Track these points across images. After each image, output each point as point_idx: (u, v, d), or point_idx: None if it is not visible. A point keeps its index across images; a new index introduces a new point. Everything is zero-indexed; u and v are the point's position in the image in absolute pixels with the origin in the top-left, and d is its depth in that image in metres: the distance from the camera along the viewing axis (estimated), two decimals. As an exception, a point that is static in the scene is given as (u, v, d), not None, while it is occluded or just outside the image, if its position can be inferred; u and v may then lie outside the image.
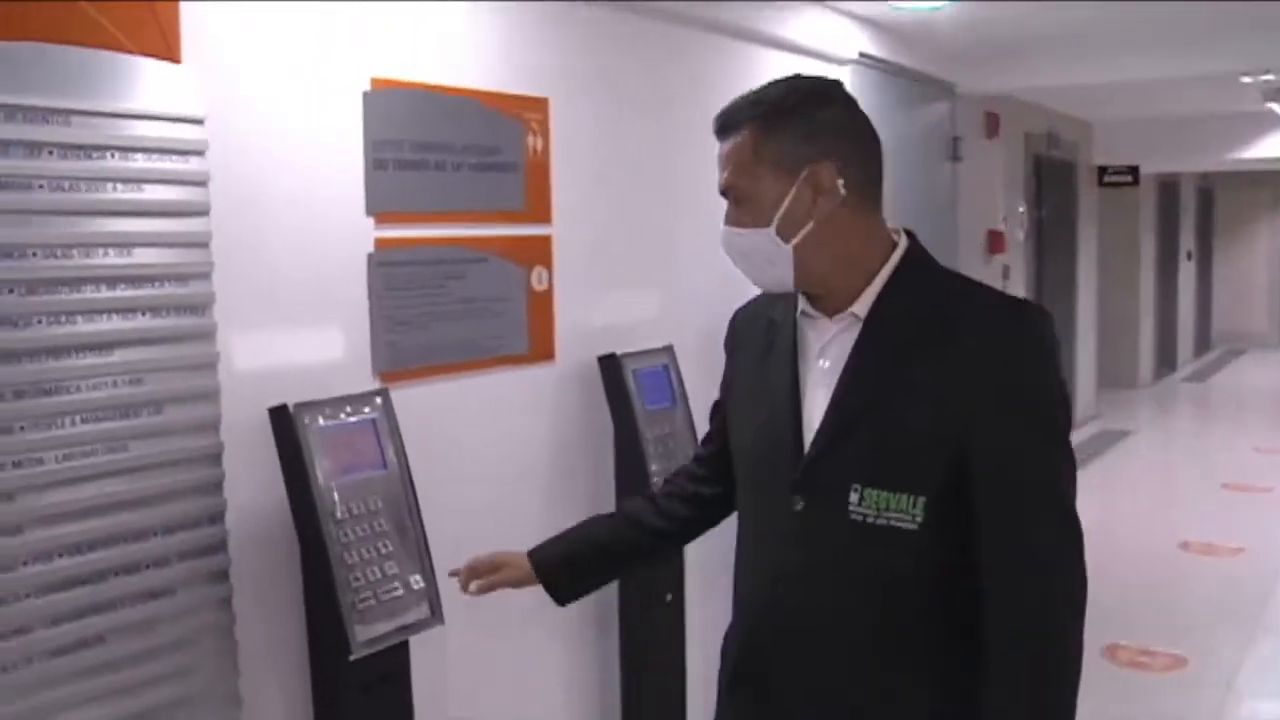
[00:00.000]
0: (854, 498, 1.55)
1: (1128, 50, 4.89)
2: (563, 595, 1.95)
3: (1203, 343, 15.35)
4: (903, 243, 1.64)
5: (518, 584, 1.94)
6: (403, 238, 2.60)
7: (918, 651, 1.59)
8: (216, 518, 2.20)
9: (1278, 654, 4.84)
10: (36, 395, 1.95)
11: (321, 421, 2.26)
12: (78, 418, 2.00)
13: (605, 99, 3.21)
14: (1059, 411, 1.56)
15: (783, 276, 1.61)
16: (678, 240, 3.42)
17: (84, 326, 2.00)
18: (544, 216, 2.98)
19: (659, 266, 3.36)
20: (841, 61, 4.27)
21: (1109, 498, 8.04)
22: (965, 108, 5.27)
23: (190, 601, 2.15)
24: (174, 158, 2.11)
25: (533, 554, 1.94)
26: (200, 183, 2.15)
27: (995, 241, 5.64)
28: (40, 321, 1.95)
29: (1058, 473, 1.55)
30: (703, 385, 3.03)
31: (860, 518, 1.55)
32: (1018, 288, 8.25)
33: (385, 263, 2.56)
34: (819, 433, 1.59)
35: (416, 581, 2.34)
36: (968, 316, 1.57)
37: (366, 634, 2.22)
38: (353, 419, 2.32)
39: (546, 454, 3.05)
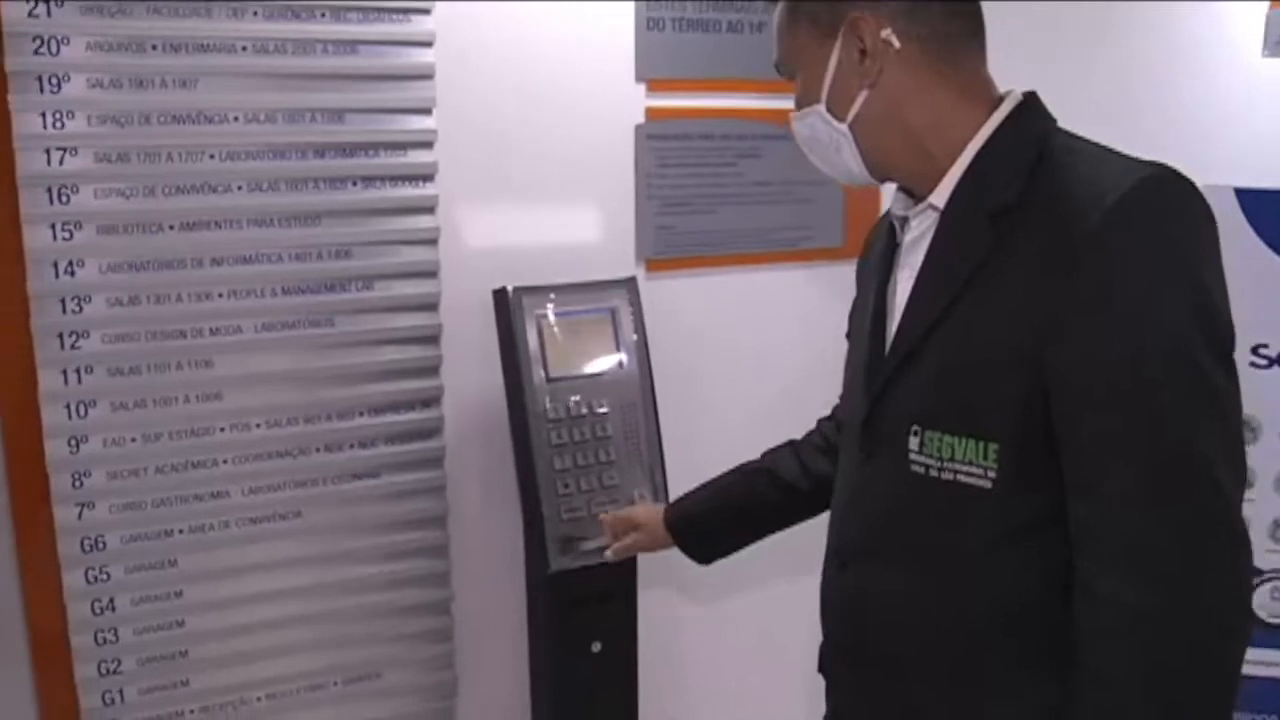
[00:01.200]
0: (913, 442, 1.20)
1: None
2: (701, 558, 1.76)
3: None
4: (1007, 105, 1.21)
5: (653, 547, 1.78)
6: (681, 108, 2.29)
7: (1033, 635, 1.17)
8: (431, 402, 2.08)
9: None
10: (235, 263, 1.90)
11: (549, 309, 2.06)
12: (278, 288, 1.94)
13: None
14: (1197, 330, 1.04)
15: (852, 165, 1.28)
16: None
17: (287, 196, 1.92)
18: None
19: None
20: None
21: None
22: None
23: (397, 486, 2.06)
24: (394, 18, 1.95)
25: (667, 514, 1.76)
26: (424, 43, 1.98)
27: None
28: (240, 188, 1.89)
29: (1189, 424, 1.04)
30: None
31: (922, 469, 1.19)
32: None
33: (658, 135, 2.28)
34: (887, 357, 1.26)
35: (642, 496, 2.09)
36: (1068, 191, 1.10)
37: (569, 547, 2.02)
38: (586, 309, 2.09)
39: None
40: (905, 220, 1.29)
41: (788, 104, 2.41)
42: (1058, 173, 1.13)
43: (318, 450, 2.00)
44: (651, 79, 2.26)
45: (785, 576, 2.67)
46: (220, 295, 1.89)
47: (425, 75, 1.98)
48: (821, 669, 1.43)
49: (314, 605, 2.02)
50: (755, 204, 2.42)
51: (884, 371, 1.24)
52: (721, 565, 2.45)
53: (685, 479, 2.20)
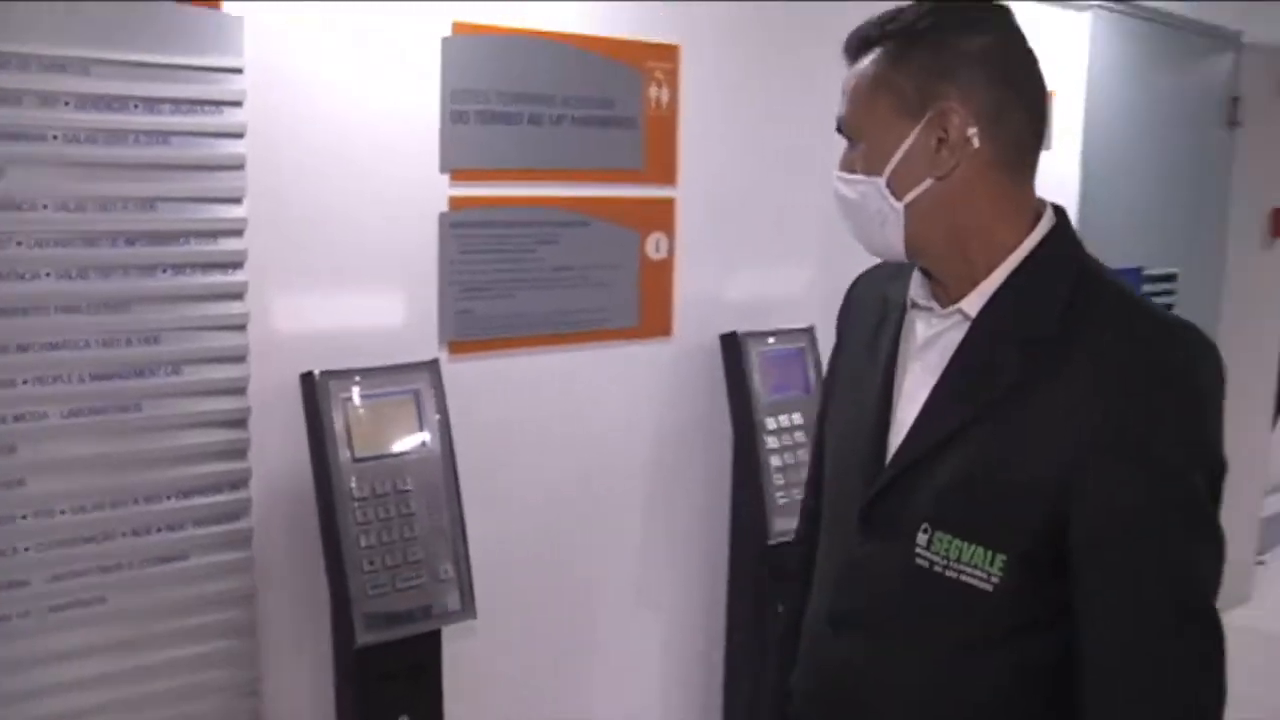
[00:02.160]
0: (922, 539, 1.26)
1: None
2: None
3: None
4: (1045, 223, 1.29)
5: None
6: (483, 196, 2.42)
7: None
8: (239, 484, 2.11)
9: None
10: (41, 350, 1.91)
11: (354, 391, 2.13)
12: (86, 374, 1.95)
13: (754, 48, 2.89)
14: (1200, 475, 1.19)
15: (893, 242, 1.30)
16: (832, 212, 3.07)
17: (96, 284, 1.94)
18: (666, 178, 2.73)
19: (807, 239, 3.02)
20: (1080, 6, 3.74)
21: None
22: (1255, 62, 4.53)
23: (205, 567, 2.08)
24: (206, 109, 2.01)
25: None
26: (236, 135, 2.04)
27: (1279, 222, 4.86)
28: (48, 275, 1.90)
29: (1191, 556, 1.18)
30: None
31: (927, 564, 1.26)
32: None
33: (461, 224, 2.39)
34: (898, 456, 1.30)
35: (446, 571, 2.18)
36: (1102, 335, 1.21)
37: (375, 622, 2.09)
38: (390, 391, 2.18)
39: (652, 440, 2.82)
40: (918, 308, 1.34)
41: (585, 192, 2.59)
42: (1095, 312, 1.23)
43: (124, 535, 2.01)
44: (455, 169, 2.37)
45: (582, 645, 2.78)
46: (25, 382, 1.90)
47: (236, 166, 2.04)
48: None
49: (120, 691, 2.01)
50: (554, 288, 2.56)
51: (893, 470, 1.30)
52: (524, 631, 2.57)
53: (487, 554, 2.31)
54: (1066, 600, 1.21)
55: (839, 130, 1.34)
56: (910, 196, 1.26)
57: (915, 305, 1.35)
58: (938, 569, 1.25)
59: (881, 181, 1.27)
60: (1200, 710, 1.17)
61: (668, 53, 2.69)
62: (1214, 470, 1.21)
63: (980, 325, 1.27)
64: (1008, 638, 1.24)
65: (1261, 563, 5.42)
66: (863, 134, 1.30)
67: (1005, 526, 1.21)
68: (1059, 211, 1.31)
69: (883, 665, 1.32)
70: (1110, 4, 3.83)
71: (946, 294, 1.31)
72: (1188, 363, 1.20)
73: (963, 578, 1.23)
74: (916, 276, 1.35)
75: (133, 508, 2.02)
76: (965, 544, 1.23)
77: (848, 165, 1.32)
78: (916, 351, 1.33)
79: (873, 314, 1.42)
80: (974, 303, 1.28)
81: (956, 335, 1.29)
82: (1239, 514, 4.94)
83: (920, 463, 1.27)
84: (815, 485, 1.54)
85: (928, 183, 1.25)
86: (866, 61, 1.29)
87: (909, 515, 1.27)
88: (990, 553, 1.22)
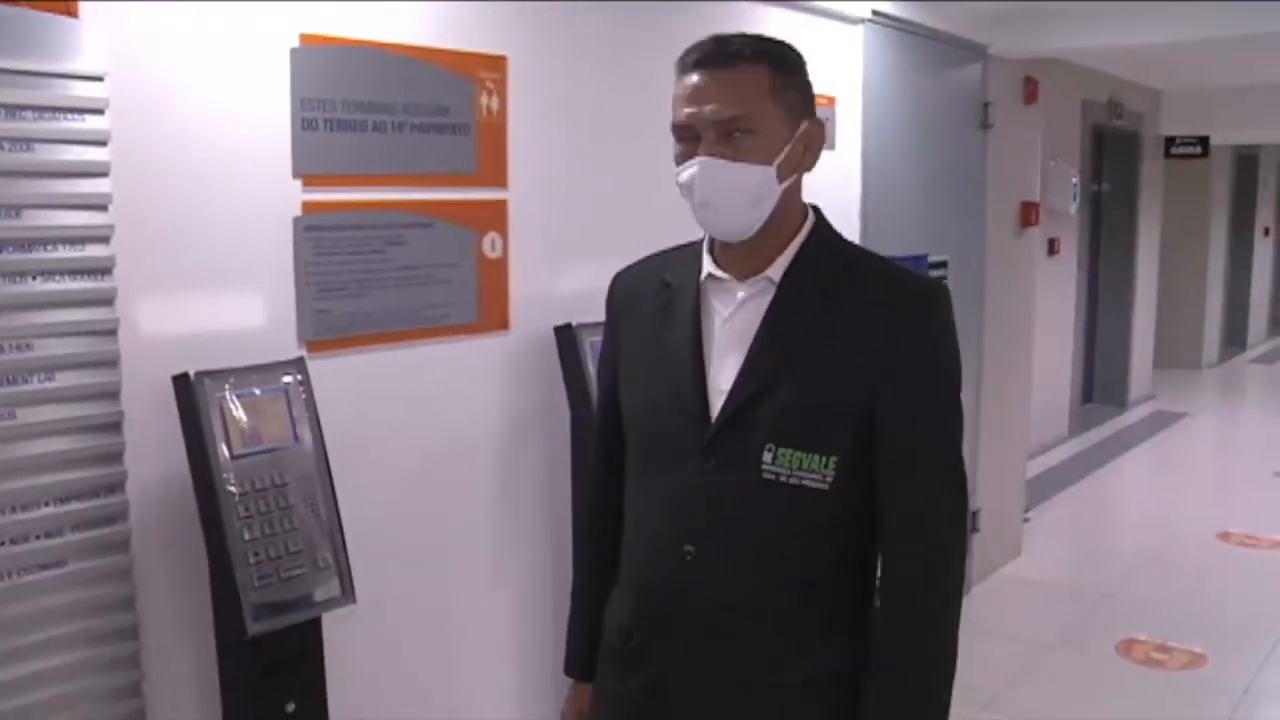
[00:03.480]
0: (767, 457, 1.59)
1: (1173, 8, 4.62)
2: None
3: (1278, 323, 14.81)
4: (812, 214, 1.71)
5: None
6: (334, 201, 2.51)
7: (827, 605, 1.65)
8: (115, 488, 2.13)
9: (1304, 656, 4.61)
10: (-91, 358, 1.90)
11: (227, 391, 2.19)
12: (-45, 382, 1.94)
13: (576, 58, 3.08)
14: (957, 373, 1.65)
15: (754, 220, 1.61)
16: (651, 208, 3.28)
17: (-38, 290, 1.94)
18: (498, 180, 2.87)
19: (629, 234, 3.21)
20: (852, 20, 4.09)
21: (1154, 482, 7.80)
22: (1000, 71, 5.03)
23: (84, 572, 2.09)
24: (68, 116, 2.03)
25: (584, 677, 1.90)
26: (99, 142, 2.07)
27: (1029, 213, 5.38)
28: (-87, 283, 1.89)
29: (957, 437, 1.64)
30: None
31: (773, 476, 1.59)
32: (1068, 262, 8.01)
33: (314, 227, 2.47)
34: (734, 393, 1.61)
35: (325, 559, 2.26)
36: (875, 287, 1.64)
37: (262, 612, 2.15)
38: (262, 389, 2.24)
39: (496, 428, 2.96)
40: (717, 282, 1.66)
41: (427, 195, 2.71)
42: (864, 272, 1.66)
43: (1, 543, 2.00)
44: (306, 174, 2.46)
45: (442, 626, 2.89)
46: (-106, 393, 1.88)
47: (100, 172, 2.07)
48: (623, 657, 1.73)
49: (3, 703, 2.00)
50: (402, 287, 2.67)
51: (734, 403, 1.60)
52: (402, 619, 2.67)
53: (361, 537, 2.40)
54: (873, 493, 1.61)
55: (722, 122, 1.56)
56: (785, 185, 1.62)
57: (714, 278, 1.67)
58: (782, 479, 1.59)
59: (772, 169, 1.59)
60: (958, 550, 1.67)
61: (497, 63, 2.84)
62: (960, 375, 1.66)
63: (784, 287, 1.64)
64: (836, 526, 1.62)
65: (1027, 519, 5.97)
66: (758, 129, 1.58)
67: (834, 435, 1.58)
68: (815, 207, 1.71)
69: (735, 563, 1.63)
70: (879, 18, 4.20)
71: (744, 270, 1.65)
72: (937, 298, 1.63)
73: (804, 482, 1.59)
74: (707, 259, 1.68)
75: (9, 516, 2.01)
76: (805, 454, 1.58)
77: (729, 154, 1.58)
78: (726, 316, 1.65)
79: (652, 298, 1.73)
80: (778, 270, 1.64)
81: (764, 299, 1.64)
82: (1006, 477, 5.44)
83: (755, 398, 1.60)
84: (607, 440, 1.83)
85: (794, 176, 1.64)
86: (758, 70, 1.58)
87: (754, 440, 1.59)
88: (824, 458, 1.58)
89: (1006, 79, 5.18)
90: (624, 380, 1.77)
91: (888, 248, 3.95)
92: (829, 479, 1.58)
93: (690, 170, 1.58)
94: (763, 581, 1.63)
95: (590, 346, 2.96)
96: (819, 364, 1.59)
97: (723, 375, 1.63)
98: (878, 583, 1.66)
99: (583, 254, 3.10)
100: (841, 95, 4.00)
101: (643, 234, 3.17)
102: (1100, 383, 9.33)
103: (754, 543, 1.62)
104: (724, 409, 1.61)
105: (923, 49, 4.53)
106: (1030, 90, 5.37)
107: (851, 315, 1.61)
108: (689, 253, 1.74)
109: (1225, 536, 6.10)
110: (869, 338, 1.59)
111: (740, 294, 1.65)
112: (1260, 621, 4.89)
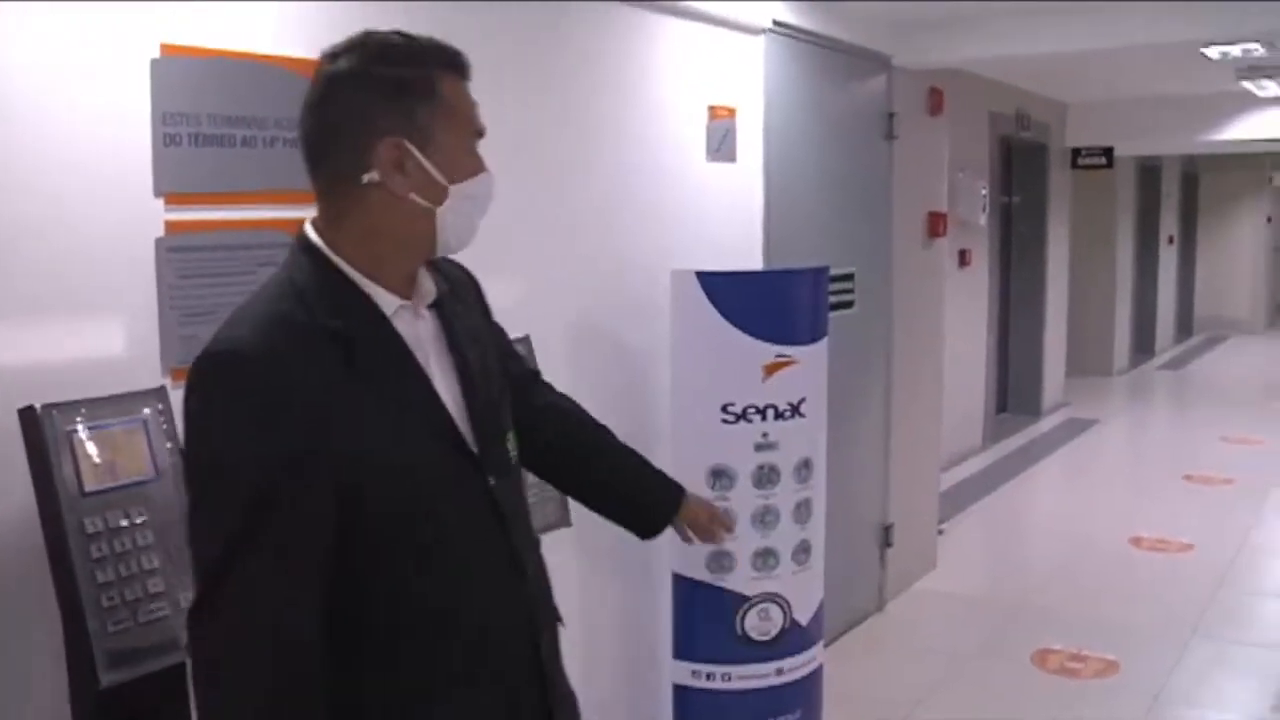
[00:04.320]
0: (512, 448, 1.70)
1: (1076, 18, 4.64)
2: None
3: (1184, 329, 15.14)
4: None
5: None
6: (200, 220, 2.37)
7: None
8: (-48, 529, 1.99)
9: (1211, 661, 4.62)
10: None
11: (79, 424, 2.04)
12: None
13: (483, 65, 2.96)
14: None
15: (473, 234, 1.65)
16: (546, 226, 3.19)
17: None
18: (383, 197, 2.75)
19: (526, 245, 3.12)
20: (754, 30, 4.03)
21: (1067, 490, 7.87)
22: (905, 82, 5.02)
23: (-81, 624, 1.94)
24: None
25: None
26: (-72, 159, 1.93)
27: (936, 224, 5.37)
28: None
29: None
30: (581, 371, 2.92)
31: (516, 461, 1.73)
32: (979, 272, 8.06)
33: (178, 248, 2.33)
34: (480, 412, 1.61)
35: (189, 599, 2.11)
36: (468, 289, 1.79)
37: (118, 660, 2.00)
38: (117, 421, 2.10)
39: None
40: (405, 310, 1.57)
41: (300, 214, 2.56)
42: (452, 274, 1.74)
43: None
44: (169, 193, 2.31)
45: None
46: None
47: (-70, 193, 1.93)
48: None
49: None
50: (278, 309, 2.53)
51: (485, 422, 1.61)
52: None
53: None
54: None
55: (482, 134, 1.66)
56: None
57: (405, 307, 1.56)
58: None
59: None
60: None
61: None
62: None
63: (443, 302, 1.64)
64: None
65: (940, 532, 5.96)
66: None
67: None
68: None
69: (541, 560, 1.75)
70: (780, 29, 4.15)
71: (409, 290, 1.58)
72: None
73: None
74: (378, 289, 1.53)
75: None
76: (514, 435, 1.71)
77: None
78: (429, 346, 1.59)
79: (328, 356, 1.47)
80: (427, 283, 1.62)
81: (430, 319, 1.61)
82: (919, 490, 5.42)
83: (488, 407, 1.63)
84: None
85: None
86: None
87: (503, 439, 1.67)
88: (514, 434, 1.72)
89: (911, 90, 5.17)
90: (361, 464, 1.47)
91: (791, 260, 3.90)
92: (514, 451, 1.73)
93: (490, 181, 1.62)
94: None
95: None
96: (488, 362, 1.71)
97: (449, 399, 1.58)
98: None
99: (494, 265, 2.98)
100: (742, 106, 3.94)
101: (547, 255, 3.08)
102: (1014, 392, 9.41)
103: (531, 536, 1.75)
104: (477, 432, 1.59)
105: (826, 59, 4.49)
106: (935, 101, 5.37)
107: (467, 313, 1.73)
108: (324, 293, 1.51)
109: (1137, 542, 6.15)
110: (486, 330, 1.80)
111: (421, 314, 1.61)
112: (1170, 626, 4.92)
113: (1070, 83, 8.69)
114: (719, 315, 3.13)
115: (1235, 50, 6.51)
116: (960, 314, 7.63)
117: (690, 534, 2.22)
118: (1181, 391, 11.96)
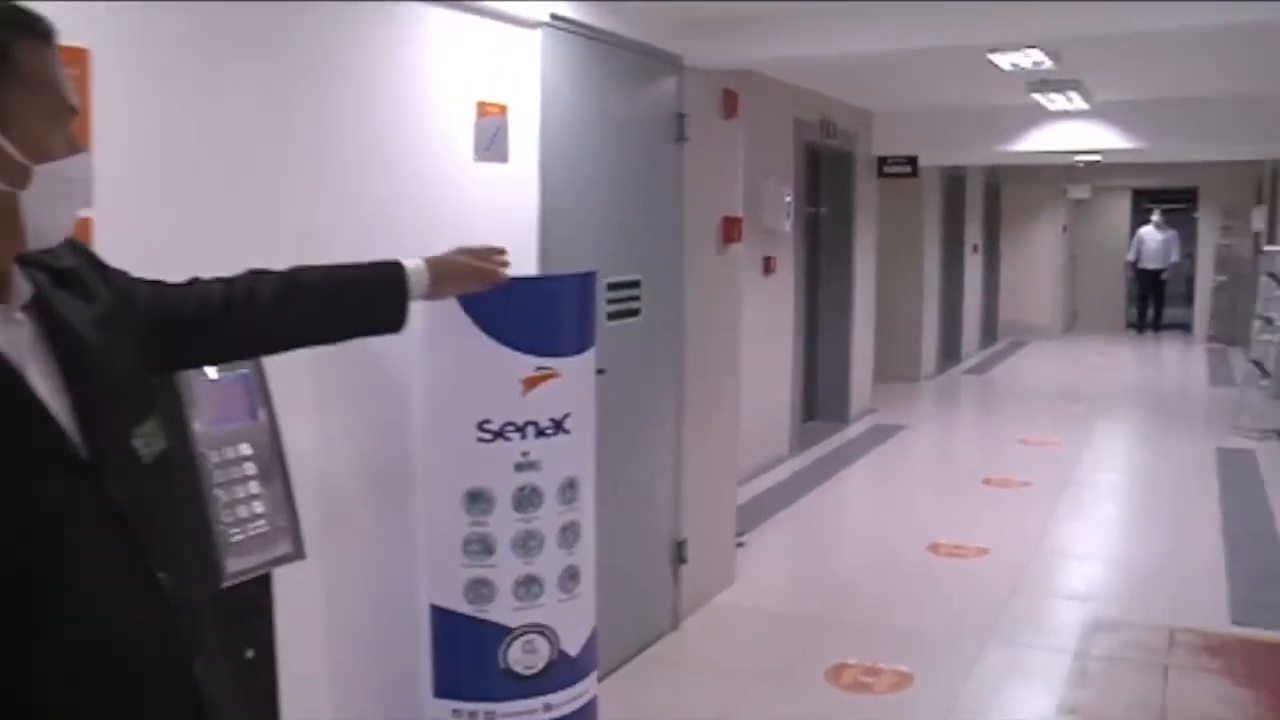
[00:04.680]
0: (138, 443, 1.44)
1: (866, 20, 4.57)
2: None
3: (989, 334, 15.61)
4: None
5: None
6: None
7: None
8: None
9: (1005, 669, 4.60)
10: None
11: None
12: None
13: (184, 56, 2.66)
14: None
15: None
16: (276, 237, 2.88)
17: None
18: (78, 193, 2.41)
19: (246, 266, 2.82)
20: (530, 24, 3.80)
21: (870, 497, 7.90)
22: (697, 84, 4.87)
23: None
24: None
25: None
26: None
27: (731, 229, 5.24)
28: None
29: None
30: (327, 387, 2.55)
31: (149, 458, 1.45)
32: (785, 279, 8.03)
33: None
34: (93, 412, 1.37)
35: None
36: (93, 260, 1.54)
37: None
38: None
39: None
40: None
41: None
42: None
43: None
44: None
45: None
46: None
47: None
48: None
49: None
50: None
51: (108, 425, 1.38)
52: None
53: None
54: None
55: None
56: None
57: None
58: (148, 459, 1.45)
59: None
60: None
61: (77, 57, 2.39)
62: None
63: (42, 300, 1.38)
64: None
65: (741, 544, 5.85)
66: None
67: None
68: None
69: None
70: (559, 23, 3.93)
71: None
72: None
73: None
74: None
75: None
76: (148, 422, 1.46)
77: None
78: (27, 353, 1.34)
79: None
80: (20, 275, 1.37)
81: (28, 321, 1.35)
82: (716, 503, 5.28)
83: (112, 396, 1.42)
84: None
85: None
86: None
87: (128, 434, 1.43)
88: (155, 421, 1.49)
89: (704, 92, 5.03)
90: None
91: (571, 267, 3.69)
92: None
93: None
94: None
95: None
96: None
97: (55, 404, 1.34)
98: None
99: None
100: (515, 104, 3.70)
101: (269, 258, 2.76)
102: (822, 399, 9.44)
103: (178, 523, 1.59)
104: (90, 428, 1.36)
105: (611, 57, 4.30)
106: (730, 103, 5.25)
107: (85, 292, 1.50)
108: None
109: (935, 548, 6.15)
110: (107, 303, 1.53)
111: (14, 318, 1.35)
112: (964, 635, 4.89)
113: (875, 91, 8.77)
114: (474, 325, 2.89)
115: (1024, 61, 6.64)
116: (765, 322, 7.57)
117: (457, 285, 2.19)
118: (985, 396, 12.27)
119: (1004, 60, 6.53)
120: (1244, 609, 5.19)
